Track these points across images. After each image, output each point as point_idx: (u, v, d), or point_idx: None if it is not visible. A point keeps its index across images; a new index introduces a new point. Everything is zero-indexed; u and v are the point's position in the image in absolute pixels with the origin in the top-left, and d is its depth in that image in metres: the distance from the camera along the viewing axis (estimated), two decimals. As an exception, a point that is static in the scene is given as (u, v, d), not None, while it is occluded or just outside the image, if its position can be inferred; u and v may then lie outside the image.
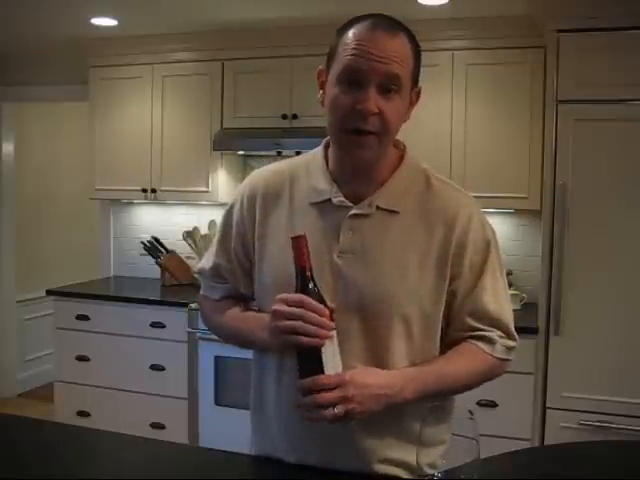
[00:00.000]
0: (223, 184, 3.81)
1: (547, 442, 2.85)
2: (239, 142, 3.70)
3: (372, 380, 1.14)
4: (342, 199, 1.25)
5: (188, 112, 3.81)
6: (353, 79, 1.16)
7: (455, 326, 1.27)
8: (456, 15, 3.16)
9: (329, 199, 1.26)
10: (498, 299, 1.28)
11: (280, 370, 1.27)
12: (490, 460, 1.23)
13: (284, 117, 3.57)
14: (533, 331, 2.91)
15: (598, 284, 2.81)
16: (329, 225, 1.25)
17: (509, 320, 1.29)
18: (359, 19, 1.20)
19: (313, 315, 1.10)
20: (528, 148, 3.21)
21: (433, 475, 1.00)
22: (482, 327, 1.26)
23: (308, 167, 1.33)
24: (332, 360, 1.10)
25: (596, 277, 2.81)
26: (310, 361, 1.10)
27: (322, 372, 1.09)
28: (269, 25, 3.53)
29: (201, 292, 1.48)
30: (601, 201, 2.79)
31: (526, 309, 3.24)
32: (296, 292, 1.13)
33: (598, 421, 2.77)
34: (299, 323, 1.10)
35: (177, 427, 3.51)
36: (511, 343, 1.29)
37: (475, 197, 1.34)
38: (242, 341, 1.36)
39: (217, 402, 3.41)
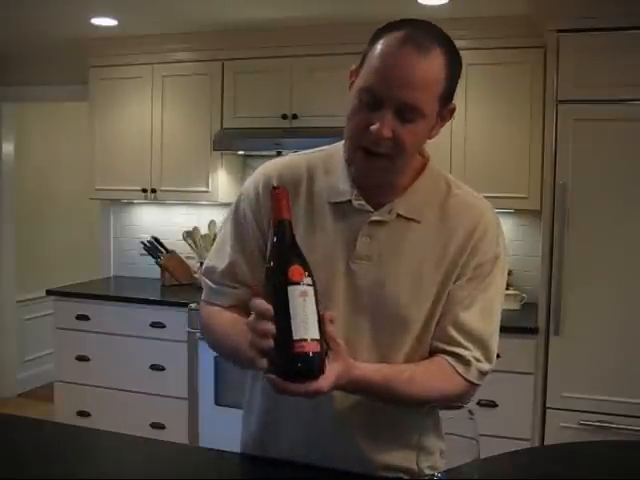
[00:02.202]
0: (223, 184, 3.81)
1: (547, 442, 2.85)
2: (239, 142, 3.70)
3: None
4: (362, 202, 1.21)
5: (188, 112, 3.81)
6: (371, 99, 1.11)
7: (435, 333, 1.22)
8: (456, 15, 3.15)
9: (349, 200, 1.22)
10: (486, 317, 1.22)
11: None
12: (490, 460, 1.23)
13: (284, 117, 3.57)
14: (533, 331, 2.91)
15: (598, 284, 2.81)
16: (347, 229, 1.22)
17: (492, 342, 1.23)
18: (393, 27, 1.13)
19: (258, 327, 1.02)
20: (528, 148, 3.21)
21: (433, 475, 1.00)
22: (461, 342, 1.20)
23: (327, 163, 1.27)
24: (302, 313, 1.00)
25: (596, 277, 2.81)
26: (280, 311, 1.01)
27: (290, 326, 0.99)
28: (269, 25, 3.53)
29: (204, 298, 1.34)
30: (601, 201, 2.79)
31: (526, 309, 3.24)
32: (276, 249, 1.06)
33: (598, 421, 2.77)
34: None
35: (177, 427, 3.51)
36: (486, 367, 1.21)
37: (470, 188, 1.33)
38: (229, 357, 1.24)
39: (217, 402, 3.41)
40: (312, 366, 1.00)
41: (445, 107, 1.17)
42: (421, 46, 1.10)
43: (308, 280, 1.02)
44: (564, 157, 2.83)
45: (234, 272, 1.28)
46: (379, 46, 1.12)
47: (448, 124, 1.24)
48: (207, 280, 1.33)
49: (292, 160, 1.31)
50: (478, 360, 1.20)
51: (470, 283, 1.22)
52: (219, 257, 1.31)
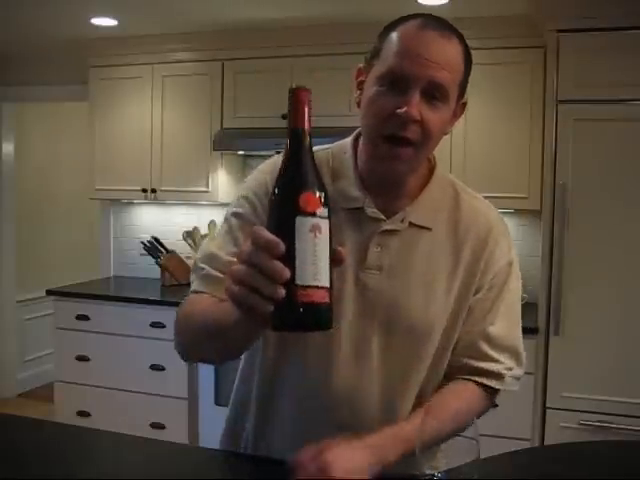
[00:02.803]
0: (223, 184, 3.81)
1: (547, 442, 2.85)
2: (239, 142, 3.70)
3: (353, 462, 1.04)
4: (375, 210, 1.18)
5: (188, 112, 3.81)
6: (396, 81, 1.07)
7: (464, 349, 1.22)
8: (456, 15, 3.12)
9: (361, 207, 1.18)
10: (511, 324, 1.24)
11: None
12: (490, 460, 1.23)
13: (284, 117, 3.54)
14: (533, 331, 2.91)
15: (598, 284, 2.80)
16: (358, 237, 1.18)
17: (520, 346, 1.26)
18: (407, 18, 1.12)
19: (266, 265, 0.79)
20: (528, 148, 3.21)
21: (433, 475, 1.00)
22: (493, 356, 1.21)
23: (334, 164, 1.22)
24: (312, 252, 0.81)
25: (596, 277, 2.81)
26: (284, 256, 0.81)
27: (294, 267, 0.80)
28: (269, 25, 3.53)
29: (194, 288, 1.20)
30: (601, 201, 2.79)
31: (526, 309, 3.20)
32: (286, 168, 0.86)
33: (598, 421, 2.77)
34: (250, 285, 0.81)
35: (177, 427, 3.51)
36: (519, 372, 1.25)
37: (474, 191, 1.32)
38: (210, 331, 1.06)
39: (217, 402, 3.41)
40: (319, 319, 0.83)
41: (459, 100, 1.15)
42: (442, 31, 1.09)
43: (323, 212, 0.83)
44: (564, 157, 2.83)
45: None
46: (396, 33, 1.10)
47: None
48: (205, 267, 1.19)
49: None
50: (511, 369, 1.23)
51: (490, 292, 1.22)
52: (222, 246, 1.19)
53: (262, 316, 0.81)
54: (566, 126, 2.82)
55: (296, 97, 0.91)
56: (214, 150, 3.71)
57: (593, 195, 2.80)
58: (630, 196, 2.76)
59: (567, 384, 2.83)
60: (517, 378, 1.25)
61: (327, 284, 0.82)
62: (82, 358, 3.72)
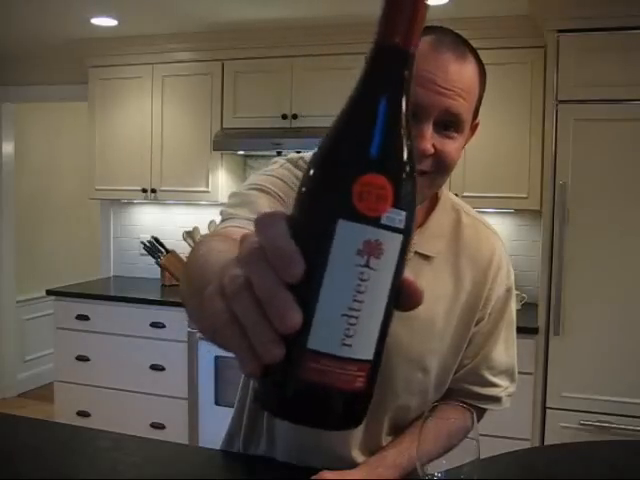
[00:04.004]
0: (223, 184, 3.81)
1: (547, 442, 2.85)
2: (239, 142, 3.70)
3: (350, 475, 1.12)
4: None
5: (188, 112, 3.81)
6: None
7: (466, 376, 1.23)
8: (456, 15, 3.15)
9: None
10: (509, 347, 1.26)
11: None
12: (490, 460, 1.23)
13: (284, 117, 3.57)
14: (533, 331, 2.91)
15: (598, 284, 2.80)
16: None
17: (515, 364, 1.28)
18: None
19: (274, 291, 0.44)
20: (528, 148, 3.21)
21: (433, 475, 1.00)
22: (495, 382, 1.24)
23: None
24: (351, 291, 0.44)
25: (596, 277, 2.81)
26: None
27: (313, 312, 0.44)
28: (269, 25, 3.53)
29: (220, 226, 1.00)
30: (601, 201, 2.79)
31: (526, 309, 3.24)
32: (367, 100, 0.46)
33: (598, 421, 2.77)
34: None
35: (177, 427, 3.50)
36: (512, 389, 1.29)
37: (475, 197, 1.33)
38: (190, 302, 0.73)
39: (217, 402, 3.41)
40: (336, 414, 0.47)
41: (473, 121, 1.08)
42: (456, 51, 1.00)
43: (394, 217, 0.44)
44: (564, 157, 2.83)
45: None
46: None
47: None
48: (222, 219, 1.04)
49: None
50: (507, 388, 1.27)
51: (490, 321, 1.22)
52: (241, 206, 1.04)
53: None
54: (566, 126, 2.82)
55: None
56: (214, 150, 3.71)
57: (593, 195, 2.80)
58: (630, 196, 2.76)
59: (567, 384, 2.83)
60: (510, 395, 1.29)
61: (370, 356, 0.46)
62: (82, 358, 3.72)
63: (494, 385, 1.25)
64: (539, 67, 3.13)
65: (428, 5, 0.48)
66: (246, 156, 4.02)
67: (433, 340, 1.17)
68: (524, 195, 3.22)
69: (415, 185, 0.47)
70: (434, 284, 1.15)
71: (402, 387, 1.18)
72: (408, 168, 0.46)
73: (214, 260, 0.69)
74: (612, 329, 2.79)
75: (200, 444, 3.34)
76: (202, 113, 3.77)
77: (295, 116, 3.55)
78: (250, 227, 0.52)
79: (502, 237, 1.29)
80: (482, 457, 0.96)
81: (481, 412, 1.28)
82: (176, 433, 3.46)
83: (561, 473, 1.26)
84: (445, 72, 0.98)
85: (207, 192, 3.80)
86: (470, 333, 1.20)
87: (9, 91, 4.47)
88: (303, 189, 0.46)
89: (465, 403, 1.22)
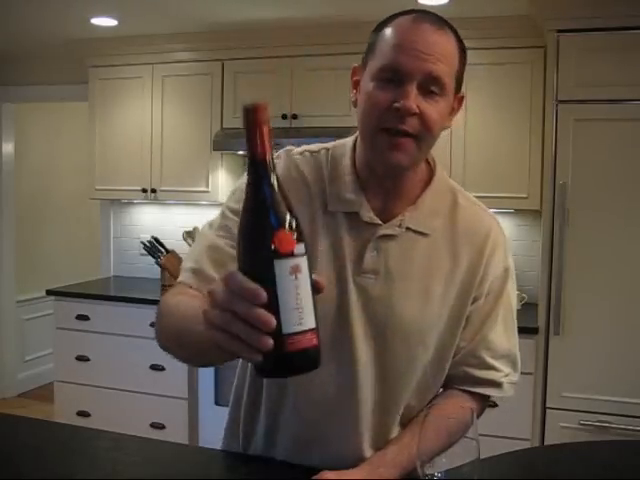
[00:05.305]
0: (223, 184, 3.81)
1: (547, 442, 2.85)
2: (239, 142, 3.69)
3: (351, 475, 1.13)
4: (372, 215, 1.16)
5: (188, 112, 3.81)
6: (393, 76, 1.06)
7: (464, 358, 1.22)
8: (456, 15, 3.12)
9: (357, 212, 1.16)
10: (509, 330, 1.25)
11: None
12: (490, 460, 1.23)
13: (284, 117, 3.57)
14: (533, 331, 2.91)
15: (598, 284, 2.80)
16: (354, 241, 1.16)
17: (517, 353, 1.27)
18: (399, 14, 1.11)
19: (248, 313, 0.72)
20: (528, 148, 3.21)
21: (433, 475, 1.00)
22: (494, 365, 1.23)
23: (331, 165, 1.20)
24: (295, 296, 0.74)
25: (596, 277, 2.81)
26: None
27: (279, 315, 0.73)
28: (269, 25, 3.53)
29: (183, 280, 1.18)
30: (601, 201, 2.79)
31: (526, 309, 3.24)
32: (257, 194, 0.77)
33: (598, 421, 2.77)
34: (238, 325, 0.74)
35: (177, 427, 3.51)
36: (515, 378, 1.27)
37: (475, 197, 1.32)
38: (181, 338, 1.12)
39: (217, 402, 3.41)
40: (308, 363, 0.77)
41: (456, 94, 1.14)
42: (436, 24, 1.09)
43: (300, 247, 0.75)
44: (564, 157, 2.83)
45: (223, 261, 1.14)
46: (390, 28, 1.09)
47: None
48: (185, 273, 1.19)
49: (301, 159, 1.22)
50: (508, 375, 1.25)
51: (487, 298, 1.22)
52: (194, 272, 1.19)
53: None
54: (566, 126, 2.82)
55: (253, 118, 0.77)
56: (214, 150, 3.71)
57: (593, 195, 2.80)
58: (630, 196, 2.76)
59: (567, 384, 2.83)
60: (514, 383, 1.27)
61: (314, 324, 0.75)
62: (82, 358, 3.72)
63: (493, 368, 1.23)
64: (539, 67, 3.13)
65: (271, 127, 0.79)
66: (246, 156, 4.01)
67: (431, 315, 1.17)
68: (524, 195, 3.22)
69: (299, 221, 0.76)
70: (429, 261, 1.17)
71: (405, 363, 1.18)
72: (289, 218, 0.75)
73: (189, 306, 1.06)
74: (612, 329, 2.79)
75: (200, 444, 3.34)
76: (202, 113, 3.77)
77: (295, 116, 3.55)
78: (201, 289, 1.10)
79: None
80: (482, 457, 0.96)
81: (483, 402, 1.26)
82: (176, 433, 3.46)
83: (561, 473, 1.26)
84: (425, 40, 1.06)
85: (207, 192, 3.80)
86: (467, 311, 1.20)
87: (9, 91, 4.48)
88: (243, 243, 0.76)
89: (465, 391, 1.24)
